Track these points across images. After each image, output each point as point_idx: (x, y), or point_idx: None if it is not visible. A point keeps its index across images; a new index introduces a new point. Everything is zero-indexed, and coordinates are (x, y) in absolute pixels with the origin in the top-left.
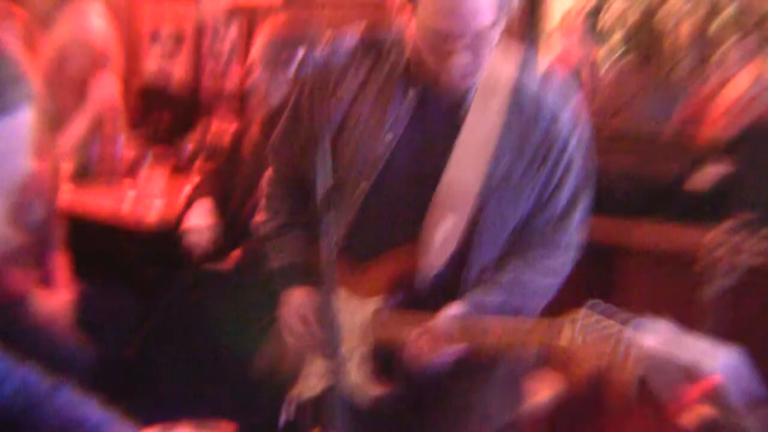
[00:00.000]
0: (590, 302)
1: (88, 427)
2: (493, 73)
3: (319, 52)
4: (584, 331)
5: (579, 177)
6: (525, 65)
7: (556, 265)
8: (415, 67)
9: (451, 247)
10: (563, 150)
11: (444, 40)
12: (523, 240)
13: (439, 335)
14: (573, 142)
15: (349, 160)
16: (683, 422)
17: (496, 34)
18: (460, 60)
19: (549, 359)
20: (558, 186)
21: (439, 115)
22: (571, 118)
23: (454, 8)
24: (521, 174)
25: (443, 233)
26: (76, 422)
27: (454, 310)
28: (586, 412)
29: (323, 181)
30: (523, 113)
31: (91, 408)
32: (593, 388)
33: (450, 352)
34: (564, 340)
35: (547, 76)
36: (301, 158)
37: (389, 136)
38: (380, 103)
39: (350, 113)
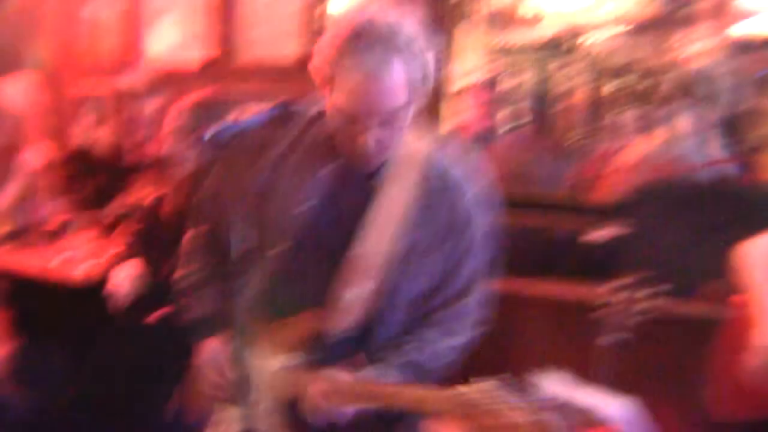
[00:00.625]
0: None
1: None
2: (408, 148)
3: (239, 122)
4: (490, 402)
5: (482, 254)
6: (437, 141)
7: (445, 350)
8: (331, 145)
9: (356, 314)
10: (467, 227)
11: (353, 121)
12: (426, 316)
13: (340, 392)
14: (477, 220)
15: (268, 226)
16: None
17: (407, 114)
18: (370, 140)
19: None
20: (459, 263)
21: (354, 187)
22: (477, 195)
23: (363, 91)
24: (426, 248)
25: (350, 300)
26: None
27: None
28: None
29: (239, 244)
30: (431, 189)
31: None
32: None
33: (348, 409)
34: (466, 411)
35: (457, 154)
36: (220, 221)
37: (307, 205)
38: (300, 174)
39: (271, 182)
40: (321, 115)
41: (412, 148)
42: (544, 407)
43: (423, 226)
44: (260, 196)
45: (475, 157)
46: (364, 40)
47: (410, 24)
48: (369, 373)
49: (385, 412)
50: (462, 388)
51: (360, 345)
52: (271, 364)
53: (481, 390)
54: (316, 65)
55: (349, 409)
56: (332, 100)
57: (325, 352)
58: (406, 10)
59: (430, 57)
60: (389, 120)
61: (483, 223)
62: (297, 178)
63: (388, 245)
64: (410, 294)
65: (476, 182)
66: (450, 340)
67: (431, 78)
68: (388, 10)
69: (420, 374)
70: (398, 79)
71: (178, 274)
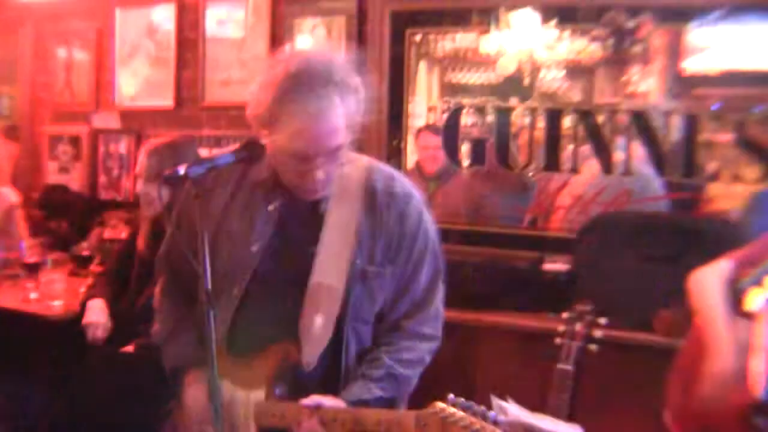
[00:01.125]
0: (450, 397)
1: None
2: (344, 176)
3: (211, 160)
4: (448, 422)
5: (433, 265)
6: (372, 167)
7: (419, 356)
8: (275, 178)
9: (325, 340)
10: (416, 236)
11: (301, 160)
12: (389, 330)
13: (328, 421)
14: (423, 229)
15: (221, 270)
16: None
17: (346, 142)
18: (316, 177)
19: None
20: (415, 269)
21: (299, 222)
22: (420, 209)
23: (309, 131)
24: (380, 262)
25: (317, 328)
26: None
27: (328, 399)
28: None
29: (203, 287)
30: (376, 205)
31: None
32: None
33: None
34: (436, 421)
35: (393, 175)
36: (185, 269)
37: (255, 247)
38: (246, 216)
39: (220, 226)
40: (262, 158)
41: (349, 176)
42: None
43: (373, 242)
44: (213, 241)
45: (417, 186)
46: (305, 80)
47: (342, 58)
48: (352, 390)
49: None
50: (429, 410)
51: (333, 369)
52: (246, 402)
53: (447, 413)
54: (254, 109)
55: None
56: (275, 141)
57: (299, 382)
58: (334, 46)
59: (361, 88)
60: (330, 159)
61: (431, 226)
62: (247, 215)
63: (342, 271)
64: (374, 308)
65: (419, 200)
66: (423, 344)
67: (363, 109)
68: (320, 49)
69: (399, 384)
70: (339, 116)
71: (154, 328)
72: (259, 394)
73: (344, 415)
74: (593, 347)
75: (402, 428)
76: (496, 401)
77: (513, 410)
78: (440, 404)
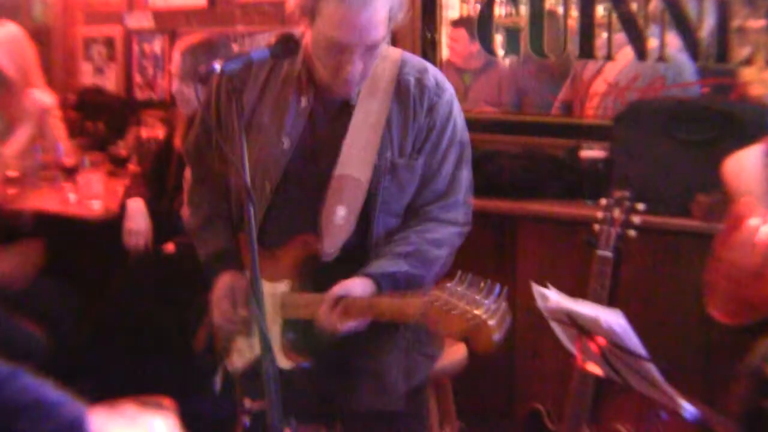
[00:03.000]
0: (459, 274)
1: (45, 407)
2: (376, 70)
3: (245, 54)
4: (451, 301)
5: (459, 154)
6: (404, 59)
7: (446, 237)
8: (308, 74)
9: (347, 232)
10: (445, 127)
11: (341, 50)
12: (416, 214)
13: (347, 309)
14: (453, 121)
15: (252, 165)
16: (587, 370)
17: (385, 42)
18: (354, 70)
19: (430, 323)
20: (442, 160)
21: (330, 118)
22: (451, 101)
23: (352, 21)
24: (410, 154)
25: (338, 219)
26: (34, 403)
27: (355, 283)
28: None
29: (244, 178)
30: (408, 98)
31: (46, 389)
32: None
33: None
34: (438, 307)
35: (426, 67)
36: (214, 160)
37: (286, 143)
38: (278, 110)
39: (251, 120)
40: (295, 51)
41: (383, 64)
42: (496, 307)
43: (407, 131)
44: (246, 129)
45: (449, 81)
46: None
47: None
48: (380, 263)
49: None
50: (430, 298)
51: (357, 257)
52: (272, 293)
53: (443, 300)
54: None
55: (359, 323)
56: (316, 31)
57: (322, 271)
58: None
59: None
60: (368, 53)
61: (461, 118)
62: (278, 110)
63: (368, 164)
64: (403, 200)
65: (450, 92)
66: (450, 227)
67: (405, 7)
68: None
69: (428, 262)
70: (381, 10)
71: (184, 212)
72: (283, 286)
73: (360, 302)
74: (632, 233)
75: (407, 315)
76: (536, 288)
77: (553, 297)
78: (438, 292)
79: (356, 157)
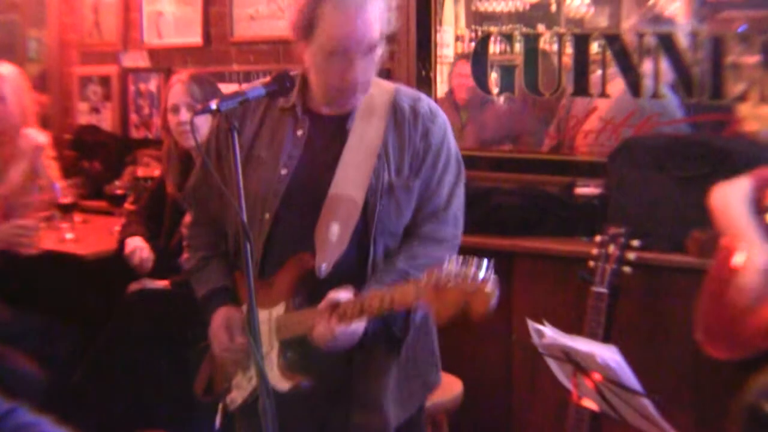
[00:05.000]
0: (447, 257)
1: None
2: (371, 95)
3: (243, 93)
4: (445, 278)
5: (455, 175)
6: (399, 88)
7: (438, 258)
8: (303, 105)
9: (341, 249)
10: (440, 150)
11: (343, 55)
12: (408, 234)
13: (340, 314)
14: (447, 144)
15: (251, 198)
16: (583, 406)
17: (379, 50)
18: (356, 75)
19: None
20: (439, 181)
21: (325, 141)
22: (444, 126)
23: (351, 22)
24: (407, 175)
25: (332, 236)
26: None
27: (343, 292)
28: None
29: (241, 215)
30: (402, 123)
31: (45, 426)
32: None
33: (354, 329)
34: (433, 285)
35: (419, 96)
36: (213, 200)
37: (284, 172)
38: (275, 142)
39: (249, 155)
40: (291, 80)
41: (377, 90)
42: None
43: (403, 153)
44: (244, 165)
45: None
46: None
47: None
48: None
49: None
50: (424, 279)
51: (354, 276)
52: (268, 319)
53: (442, 269)
54: (293, 17)
55: (355, 328)
56: (315, 45)
57: (318, 291)
58: None
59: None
60: (370, 50)
61: (454, 142)
62: (275, 141)
63: (362, 184)
64: (402, 220)
65: (442, 117)
66: (440, 248)
67: (393, 23)
68: None
69: None
70: (374, 13)
71: (184, 257)
72: (279, 309)
73: (353, 304)
74: (627, 269)
75: (403, 303)
76: (532, 324)
77: (549, 333)
78: (430, 273)
79: (351, 177)
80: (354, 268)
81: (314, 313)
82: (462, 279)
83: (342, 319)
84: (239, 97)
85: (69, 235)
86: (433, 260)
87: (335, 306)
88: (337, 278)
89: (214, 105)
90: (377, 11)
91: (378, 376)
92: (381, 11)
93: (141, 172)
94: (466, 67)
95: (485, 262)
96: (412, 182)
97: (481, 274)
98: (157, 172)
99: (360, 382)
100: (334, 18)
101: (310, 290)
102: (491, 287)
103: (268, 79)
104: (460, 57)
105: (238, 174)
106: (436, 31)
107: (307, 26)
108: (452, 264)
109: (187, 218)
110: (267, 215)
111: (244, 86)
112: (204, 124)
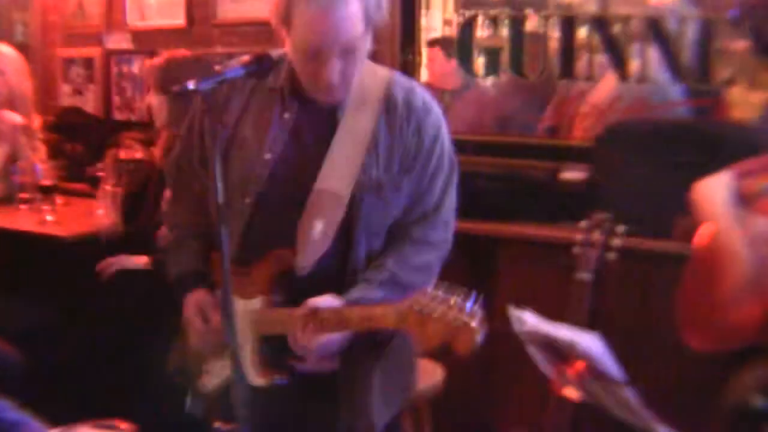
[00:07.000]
0: (429, 289)
1: (3, 428)
2: (363, 85)
3: (221, 73)
4: (430, 305)
5: (447, 175)
6: (392, 78)
7: (425, 262)
8: (291, 88)
9: (323, 247)
10: (432, 148)
11: (316, 54)
12: (398, 236)
13: (321, 322)
14: (440, 142)
15: (234, 180)
16: (565, 395)
17: (365, 45)
18: (332, 74)
19: (409, 328)
20: (430, 181)
21: (314, 129)
22: (438, 122)
23: (323, 22)
24: (396, 172)
25: (315, 234)
26: None
27: (325, 298)
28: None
29: (217, 198)
30: (395, 117)
31: (5, 410)
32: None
33: (334, 338)
34: (417, 311)
35: (413, 87)
36: (195, 179)
37: (268, 156)
38: (260, 124)
39: (234, 135)
40: (279, 64)
41: (368, 84)
42: (476, 309)
43: (390, 151)
44: (225, 151)
45: (437, 100)
46: None
47: None
48: (352, 293)
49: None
50: (407, 304)
51: (336, 276)
52: (246, 310)
53: (422, 304)
54: (273, 7)
55: (335, 338)
56: (292, 39)
57: (298, 288)
58: None
59: None
60: (349, 50)
61: (448, 139)
62: (260, 123)
63: (349, 179)
64: (387, 219)
65: (437, 112)
66: (430, 251)
67: (384, 7)
68: None
69: (404, 289)
70: (354, 8)
71: (161, 233)
72: (256, 303)
73: (332, 314)
74: (612, 256)
75: (384, 322)
76: (513, 312)
77: (530, 320)
78: (416, 297)
79: (338, 172)
80: (334, 267)
81: (292, 317)
82: (446, 309)
83: (319, 329)
84: (218, 77)
85: (49, 217)
86: (423, 264)
87: (314, 313)
88: (316, 276)
89: (191, 85)
90: (357, 8)
91: (363, 377)
92: (364, 7)
93: (123, 154)
94: (435, 53)
95: (473, 295)
96: (402, 180)
97: (468, 307)
98: (139, 155)
99: (345, 383)
100: (306, 16)
101: (289, 287)
102: (477, 324)
103: (247, 58)
104: (432, 43)
105: (215, 158)
106: (421, 15)
107: (285, 19)
108: (437, 292)
109: (167, 193)
110: (248, 200)
111: (224, 65)
112: None
